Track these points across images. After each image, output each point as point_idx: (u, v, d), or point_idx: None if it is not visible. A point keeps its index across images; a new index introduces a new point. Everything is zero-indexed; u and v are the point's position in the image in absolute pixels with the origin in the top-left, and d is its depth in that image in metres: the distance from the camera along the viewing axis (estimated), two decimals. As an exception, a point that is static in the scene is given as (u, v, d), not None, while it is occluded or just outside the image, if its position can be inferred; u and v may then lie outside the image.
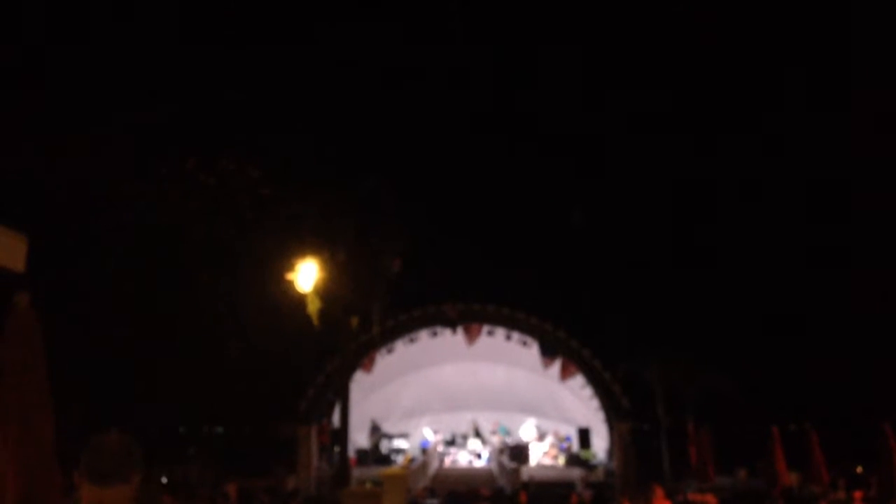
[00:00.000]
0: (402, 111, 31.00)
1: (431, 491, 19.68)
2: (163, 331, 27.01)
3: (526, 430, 26.63)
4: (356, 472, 22.04)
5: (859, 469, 18.72)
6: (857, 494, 12.81)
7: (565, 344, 25.40)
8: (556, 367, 25.90)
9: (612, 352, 25.74)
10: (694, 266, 31.06)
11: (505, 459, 24.70)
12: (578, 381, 25.66)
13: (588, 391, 25.53)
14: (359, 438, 25.65)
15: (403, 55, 33.67)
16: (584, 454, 25.11)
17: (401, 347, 26.04)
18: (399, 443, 26.41)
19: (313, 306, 16.56)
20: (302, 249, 16.02)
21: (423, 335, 26.06)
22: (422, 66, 34.63)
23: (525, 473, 22.48)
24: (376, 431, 26.42)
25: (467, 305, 25.86)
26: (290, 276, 15.65)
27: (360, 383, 24.43)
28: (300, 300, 16.09)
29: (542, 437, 26.64)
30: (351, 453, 23.91)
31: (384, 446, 26.19)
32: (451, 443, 27.37)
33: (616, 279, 31.42)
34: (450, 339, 26.06)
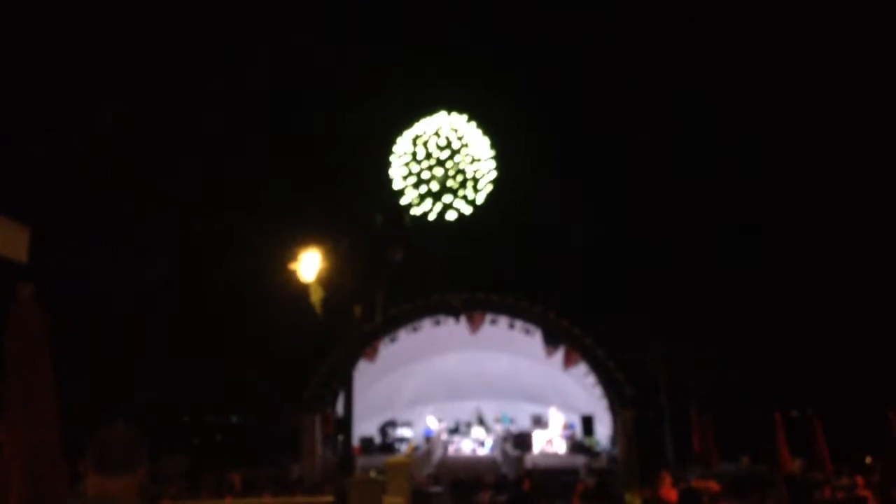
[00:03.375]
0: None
1: (435, 479, 19.73)
2: (167, 322, 27.11)
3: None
4: (360, 461, 22.11)
5: (869, 459, 18.71)
6: (860, 480, 12.82)
7: (568, 332, 25.42)
8: (560, 355, 25.93)
9: (615, 340, 25.75)
10: (696, 254, 31.00)
11: (508, 447, 24.75)
12: (581, 369, 25.69)
13: (591, 379, 25.56)
14: (363, 427, 25.71)
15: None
16: (587, 442, 25.16)
17: (404, 336, 26.08)
18: (403, 431, 26.48)
19: (316, 296, 16.54)
20: (305, 239, 15.99)
21: (427, 324, 26.09)
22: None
23: (528, 461, 22.53)
24: (388, 425, 26.57)
25: (470, 294, 25.86)
26: (293, 265, 15.62)
27: (363, 372, 24.48)
28: (303, 290, 16.07)
29: (546, 425, 26.66)
30: (355, 442, 23.98)
31: (388, 435, 26.29)
32: (454, 431, 27.43)
33: (619, 267, 31.41)
34: (453, 328, 26.09)
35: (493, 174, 30.00)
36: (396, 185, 29.47)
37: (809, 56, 32.67)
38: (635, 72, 34.03)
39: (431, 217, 28.79)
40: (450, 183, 29.15)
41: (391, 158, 29.71)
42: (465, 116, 31.05)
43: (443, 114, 30.78)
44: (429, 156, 29.47)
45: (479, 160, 29.98)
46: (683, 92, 33.58)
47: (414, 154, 29.58)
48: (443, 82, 34.50)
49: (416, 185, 29.30)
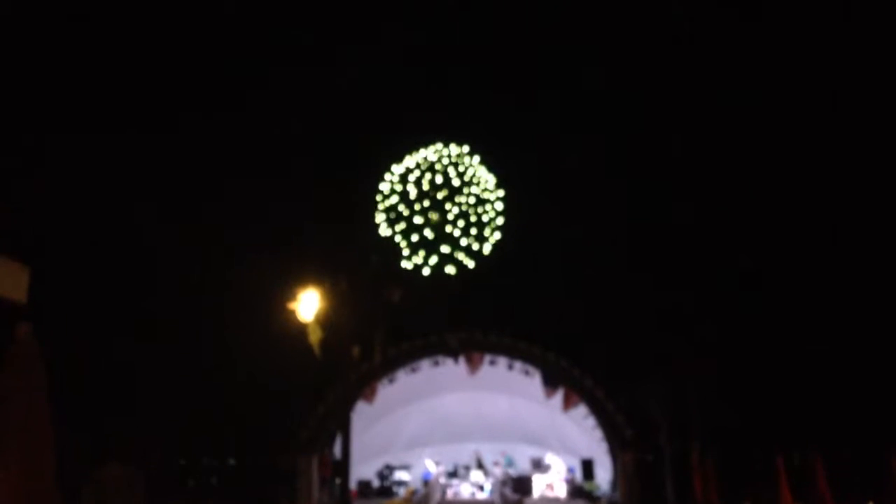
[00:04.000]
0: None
1: (433, 523, 19.49)
2: (164, 362, 27.02)
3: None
4: (358, 505, 21.84)
5: (871, 505, 18.53)
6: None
7: (568, 373, 25.28)
8: (559, 397, 25.76)
9: (615, 381, 25.58)
10: (699, 298, 30.96)
11: (507, 491, 24.46)
12: (581, 411, 25.50)
13: (591, 421, 25.35)
14: (360, 470, 25.43)
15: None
16: (587, 486, 24.86)
17: (402, 377, 25.91)
18: (401, 474, 26.19)
19: (315, 336, 16.53)
20: (304, 278, 16.03)
21: (425, 365, 25.94)
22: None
23: (528, 505, 22.27)
24: (386, 468, 26.27)
25: (469, 334, 25.77)
26: (292, 305, 15.63)
27: (361, 413, 24.31)
28: (302, 329, 16.06)
29: (547, 469, 26.38)
30: (352, 485, 23.68)
31: (386, 479, 26.01)
32: (453, 474, 27.10)
33: (619, 308, 31.31)
34: (452, 369, 25.95)
35: (501, 219, 27.46)
36: (383, 232, 26.77)
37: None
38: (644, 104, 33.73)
39: (426, 272, 26.35)
40: (448, 229, 26.56)
41: (377, 198, 27.08)
42: (465, 147, 28.43)
43: (438, 145, 28.41)
44: (422, 196, 27.06)
45: (486, 201, 27.41)
46: (696, 130, 33.42)
47: (404, 194, 27.18)
48: (441, 106, 31.02)
49: (407, 233, 26.84)
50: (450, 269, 27.01)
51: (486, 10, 33.83)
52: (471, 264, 27.24)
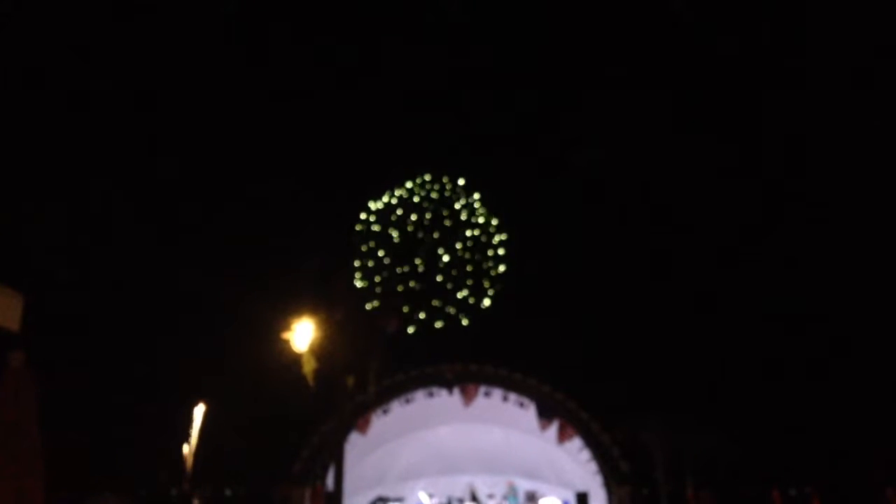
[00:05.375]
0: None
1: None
2: (157, 392, 26.84)
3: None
4: (350, 537, 21.56)
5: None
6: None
7: (562, 405, 25.16)
8: (554, 429, 25.59)
9: (610, 414, 25.50)
10: (692, 328, 30.97)
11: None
12: (576, 443, 25.34)
13: (586, 454, 25.18)
14: (353, 502, 25.15)
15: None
16: (582, 519, 24.62)
17: (397, 408, 25.76)
18: (394, 507, 25.95)
19: (309, 366, 16.43)
20: (299, 309, 15.98)
21: (420, 396, 25.81)
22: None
23: (522, 539, 22.03)
24: (379, 501, 25.99)
25: (464, 365, 25.67)
26: (287, 335, 15.57)
27: (355, 444, 24.09)
28: (296, 359, 15.98)
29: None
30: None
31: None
32: (447, 507, 26.88)
33: (614, 340, 31.30)
34: (446, 400, 25.80)
35: (502, 267, 23.53)
36: (359, 284, 22.70)
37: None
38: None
39: (410, 330, 22.60)
40: (439, 278, 21.89)
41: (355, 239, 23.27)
42: (461, 181, 24.87)
43: (427, 178, 25.08)
44: (407, 238, 22.86)
45: (487, 246, 23.44)
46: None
47: (383, 235, 23.04)
48: (434, 133, 27.12)
49: (384, 284, 22.44)
50: (439, 324, 23.81)
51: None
52: (466, 321, 24.08)
